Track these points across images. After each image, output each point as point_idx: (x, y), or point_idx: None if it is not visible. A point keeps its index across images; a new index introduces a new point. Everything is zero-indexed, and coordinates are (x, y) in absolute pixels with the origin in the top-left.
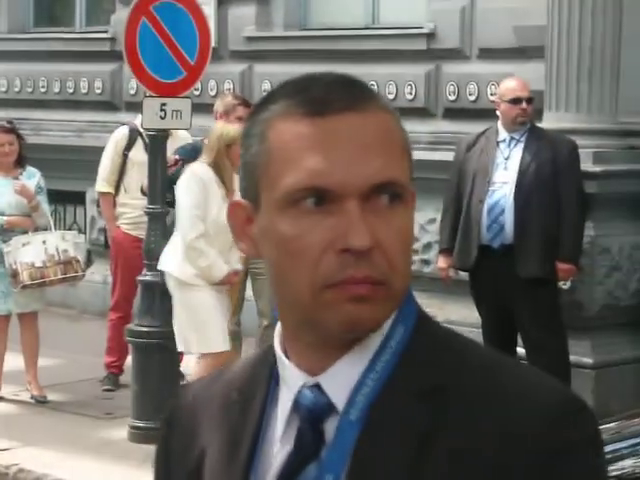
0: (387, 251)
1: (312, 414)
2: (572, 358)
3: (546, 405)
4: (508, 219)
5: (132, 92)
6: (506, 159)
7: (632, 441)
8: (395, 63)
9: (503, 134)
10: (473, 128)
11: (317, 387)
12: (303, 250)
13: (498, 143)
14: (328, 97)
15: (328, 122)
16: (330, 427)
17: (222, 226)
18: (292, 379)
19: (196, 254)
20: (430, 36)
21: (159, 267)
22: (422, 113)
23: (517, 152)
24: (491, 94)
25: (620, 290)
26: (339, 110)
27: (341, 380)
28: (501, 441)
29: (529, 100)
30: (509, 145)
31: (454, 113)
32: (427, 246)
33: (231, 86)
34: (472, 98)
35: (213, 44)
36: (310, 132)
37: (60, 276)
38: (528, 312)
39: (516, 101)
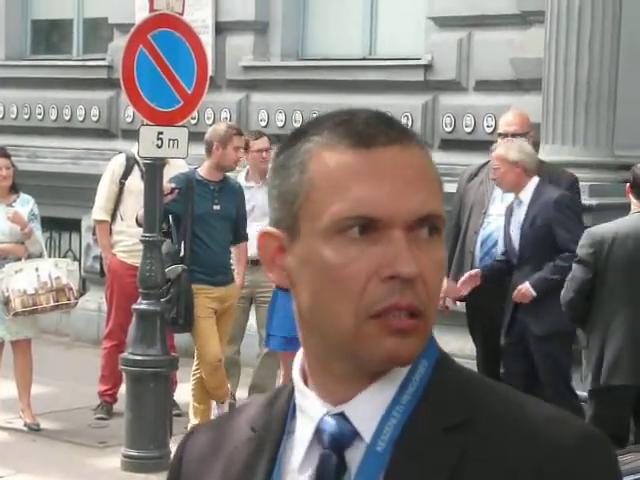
0: (427, 282)
1: (336, 441)
2: None
3: (570, 439)
4: (501, 252)
5: (129, 120)
6: (504, 192)
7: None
8: (392, 94)
9: None
10: (469, 160)
11: (341, 416)
12: (349, 278)
13: None
14: (371, 130)
15: (374, 154)
16: (352, 456)
17: None
18: (313, 409)
19: None
20: (427, 67)
21: None
22: None
23: None
24: (487, 126)
25: None
26: (384, 143)
27: (366, 410)
28: (526, 474)
29: (516, 135)
30: None
31: (450, 144)
32: None
33: (228, 115)
34: (468, 130)
35: (210, 73)
36: (357, 163)
37: (52, 304)
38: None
39: (502, 135)
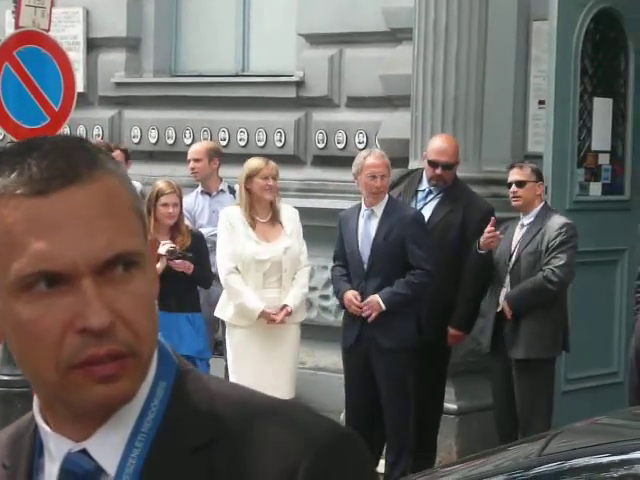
0: (129, 321)
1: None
2: None
3: (314, 444)
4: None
5: None
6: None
7: None
8: (265, 110)
9: (424, 184)
10: (342, 175)
11: (84, 452)
12: (43, 333)
13: (417, 192)
14: (47, 174)
15: (51, 201)
16: None
17: (248, 263)
18: (56, 447)
19: (231, 293)
20: (299, 84)
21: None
22: (292, 160)
23: (428, 208)
24: (359, 142)
25: (483, 336)
26: (60, 187)
27: (108, 444)
28: None
29: (447, 166)
30: (425, 198)
31: (323, 160)
32: None
33: (100, 132)
34: (341, 146)
35: (82, 89)
36: (33, 214)
37: None
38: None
39: (432, 164)
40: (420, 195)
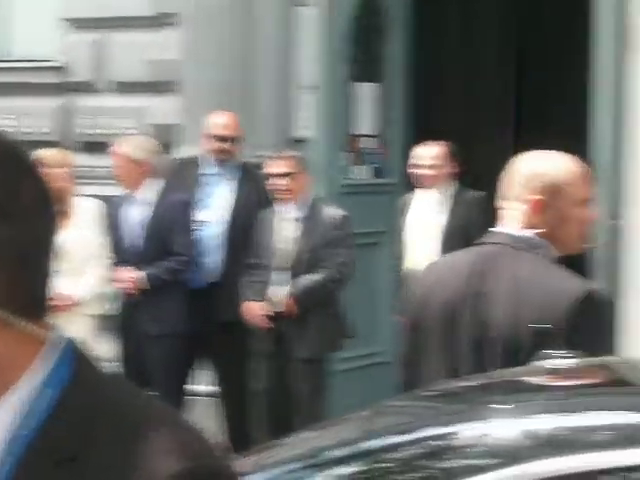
0: None
1: None
2: (194, 388)
3: (167, 472)
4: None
5: None
6: (209, 197)
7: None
8: (28, 96)
9: (211, 168)
10: (108, 161)
11: None
12: None
13: (199, 178)
14: None
15: None
16: None
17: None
18: None
19: None
20: (62, 69)
21: None
22: (56, 147)
23: (228, 191)
24: (125, 127)
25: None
26: None
27: None
28: None
29: (235, 139)
30: (218, 181)
31: (88, 146)
32: None
33: None
34: (105, 131)
35: None
36: None
37: None
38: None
39: (220, 138)
40: (211, 179)
